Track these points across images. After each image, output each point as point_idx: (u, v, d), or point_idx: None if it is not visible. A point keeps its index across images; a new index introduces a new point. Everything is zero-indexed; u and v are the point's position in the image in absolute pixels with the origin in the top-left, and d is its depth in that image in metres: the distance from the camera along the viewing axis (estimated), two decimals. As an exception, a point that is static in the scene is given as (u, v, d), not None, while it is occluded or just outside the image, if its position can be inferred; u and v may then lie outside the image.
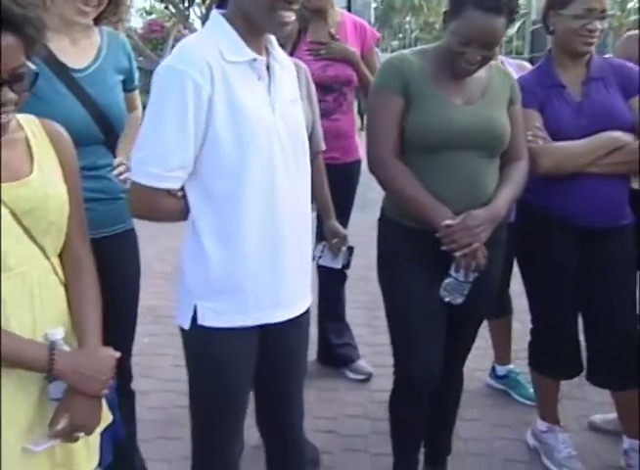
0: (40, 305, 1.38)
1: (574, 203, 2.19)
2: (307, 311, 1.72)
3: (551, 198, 2.23)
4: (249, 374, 1.65)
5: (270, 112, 1.52)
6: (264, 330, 1.62)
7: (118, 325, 1.56)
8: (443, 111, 1.92)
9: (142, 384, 2.30)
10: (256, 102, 1.50)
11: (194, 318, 1.58)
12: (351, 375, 3.16)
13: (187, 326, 1.60)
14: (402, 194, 1.96)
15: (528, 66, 2.81)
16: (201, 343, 1.60)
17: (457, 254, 1.88)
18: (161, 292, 4.03)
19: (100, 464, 1.52)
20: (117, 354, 1.46)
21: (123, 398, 2.17)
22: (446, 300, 1.97)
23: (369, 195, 3.99)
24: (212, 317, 1.57)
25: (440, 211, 1.90)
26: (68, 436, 1.38)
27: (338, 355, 3.18)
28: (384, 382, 3.10)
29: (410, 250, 2.01)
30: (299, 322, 1.69)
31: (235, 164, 1.48)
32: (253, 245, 1.53)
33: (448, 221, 1.87)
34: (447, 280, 1.95)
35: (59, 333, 1.38)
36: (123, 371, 1.75)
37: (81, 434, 1.39)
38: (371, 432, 2.74)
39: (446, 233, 1.87)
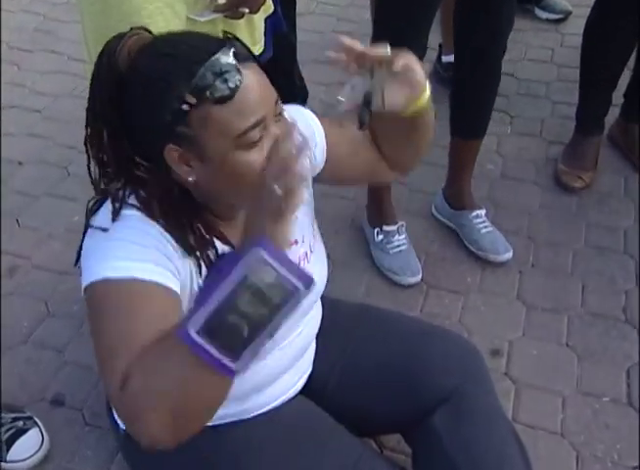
0: None
1: None
2: None
3: None
4: None
5: None
6: None
7: None
8: None
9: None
10: None
11: None
12: (543, 14, 2.63)
13: None
14: None
15: None
16: None
17: None
18: None
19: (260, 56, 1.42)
20: None
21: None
22: None
23: None
24: None
25: None
26: (232, 9, 1.26)
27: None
28: (578, 24, 2.59)
29: None
30: None
31: None
32: None
33: None
34: None
35: None
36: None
37: (245, 10, 1.27)
38: (556, 79, 2.38)
39: None
